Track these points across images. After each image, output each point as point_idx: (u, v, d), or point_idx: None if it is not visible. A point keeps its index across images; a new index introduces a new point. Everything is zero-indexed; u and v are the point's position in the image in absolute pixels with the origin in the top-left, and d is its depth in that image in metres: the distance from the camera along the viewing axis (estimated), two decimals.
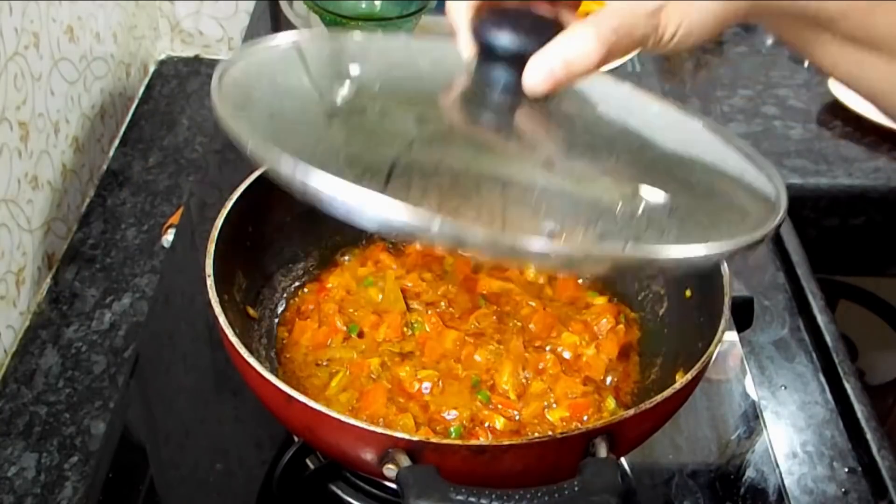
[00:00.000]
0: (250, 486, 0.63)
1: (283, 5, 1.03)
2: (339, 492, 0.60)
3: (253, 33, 1.15)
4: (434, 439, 0.49)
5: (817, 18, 0.47)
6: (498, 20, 0.48)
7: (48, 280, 0.85)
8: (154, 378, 0.72)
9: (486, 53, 0.49)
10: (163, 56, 1.23)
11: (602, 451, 0.47)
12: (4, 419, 0.71)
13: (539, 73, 0.46)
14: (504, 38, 0.48)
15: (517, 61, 0.47)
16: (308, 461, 0.58)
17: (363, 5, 1.06)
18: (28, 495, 0.65)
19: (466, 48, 0.50)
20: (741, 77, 1.15)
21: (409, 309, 0.66)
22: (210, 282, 0.56)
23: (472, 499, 0.43)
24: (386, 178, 0.42)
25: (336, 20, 0.98)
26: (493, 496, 0.43)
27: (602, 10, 0.45)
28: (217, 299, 0.55)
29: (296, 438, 0.59)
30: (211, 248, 0.59)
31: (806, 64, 1.17)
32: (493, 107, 0.49)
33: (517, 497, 0.43)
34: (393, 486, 0.56)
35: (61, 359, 0.76)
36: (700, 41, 0.46)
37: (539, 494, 0.44)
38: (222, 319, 0.54)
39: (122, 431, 0.67)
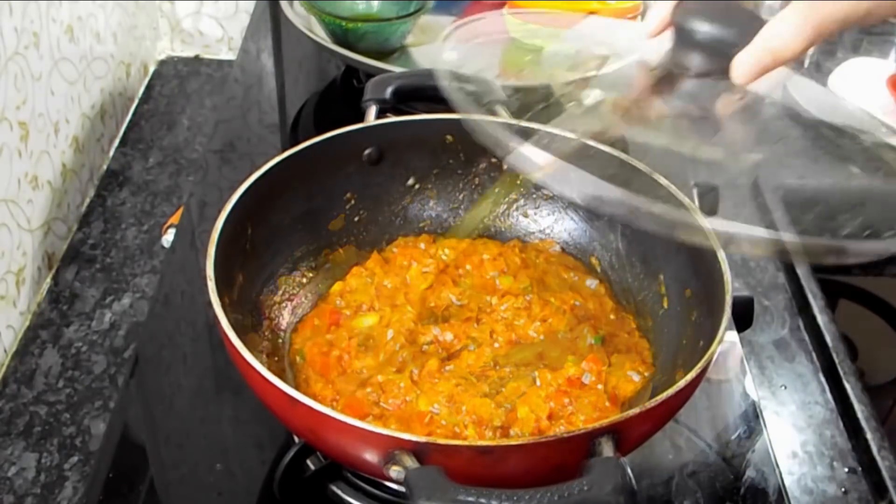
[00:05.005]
0: (250, 487, 0.63)
1: (284, 5, 1.03)
2: (340, 492, 0.60)
3: (253, 33, 1.15)
4: (440, 440, 0.49)
5: None
6: (702, 9, 0.51)
7: (48, 280, 0.85)
8: (154, 378, 0.72)
9: (687, 41, 0.52)
10: (163, 56, 1.23)
11: (607, 450, 0.47)
12: (4, 419, 0.71)
13: (747, 65, 0.48)
14: (709, 27, 0.51)
15: (718, 50, 0.50)
16: (309, 462, 0.58)
17: (361, 6, 1.06)
18: (28, 495, 0.65)
19: (655, 27, 0.53)
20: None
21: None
22: (211, 284, 0.56)
23: (481, 500, 0.43)
24: None
25: (333, 21, 0.98)
26: (503, 497, 0.43)
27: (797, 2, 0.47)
28: (218, 301, 0.55)
29: (296, 439, 0.59)
30: (211, 249, 0.59)
31: (806, 64, 1.17)
32: (694, 92, 0.54)
33: (526, 497, 0.43)
34: (396, 486, 0.56)
35: (61, 359, 0.76)
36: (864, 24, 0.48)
37: (548, 494, 0.44)
38: (224, 322, 0.54)
39: (122, 431, 0.67)
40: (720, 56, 0.51)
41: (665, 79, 0.54)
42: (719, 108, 0.54)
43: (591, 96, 0.61)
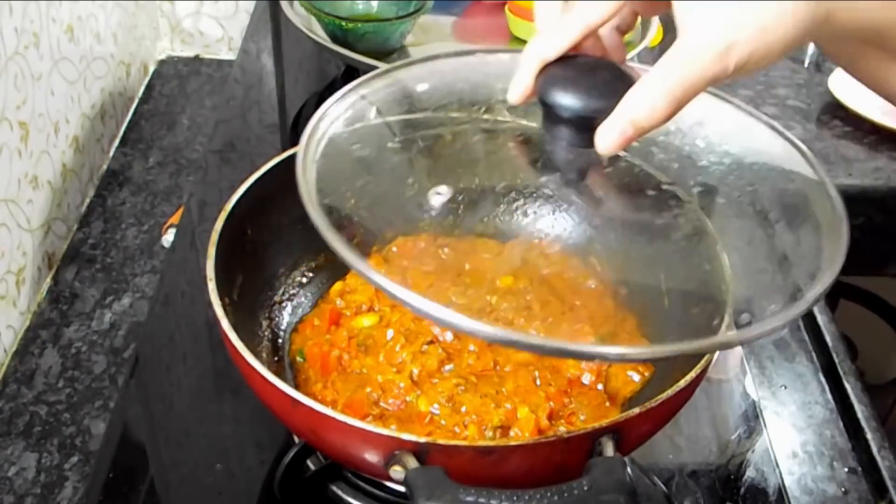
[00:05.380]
0: (251, 487, 0.63)
1: (284, 5, 1.03)
2: (340, 492, 0.60)
3: (253, 33, 1.15)
4: (441, 441, 0.49)
5: (887, 31, 0.47)
6: (564, 79, 0.49)
7: (48, 280, 0.85)
8: (154, 378, 0.72)
9: (551, 114, 0.50)
10: (163, 56, 1.23)
11: (609, 450, 0.48)
12: (4, 419, 0.71)
13: (610, 137, 0.46)
14: (571, 100, 0.48)
15: (583, 121, 0.48)
16: (309, 462, 0.58)
17: (360, 6, 1.06)
18: (28, 495, 0.65)
19: (518, 94, 0.50)
20: (738, 76, 1.15)
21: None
22: (211, 285, 0.56)
23: (481, 500, 0.43)
24: None
25: (333, 21, 0.98)
26: (503, 497, 0.43)
27: (668, 57, 0.45)
28: (218, 301, 0.55)
29: (296, 439, 0.59)
30: (212, 250, 0.59)
31: (806, 63, 1.17)
32: (561, 163, 0.52)
33: (526, 497, 0.43)
34: (397, 487, 0.56)
35: (61, 359, 0.76)
36: (773, 63, 0.46)
37: (549, 494, 0.44)
38: (224, 322, 0.54)
39: (122, 431, 0.67)
40: (586, 128, 0.48)
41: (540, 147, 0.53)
42: (593, 178, 0.53)
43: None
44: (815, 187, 0.54)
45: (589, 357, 0.52)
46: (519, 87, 0.50)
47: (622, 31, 0.54)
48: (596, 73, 0.49)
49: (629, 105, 0.46)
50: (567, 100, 0.48)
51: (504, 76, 0.52)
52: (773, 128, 0.58)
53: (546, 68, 0.49)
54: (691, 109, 0.51)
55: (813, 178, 0.54)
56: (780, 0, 0.44)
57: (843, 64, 0.52)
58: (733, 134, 0.60)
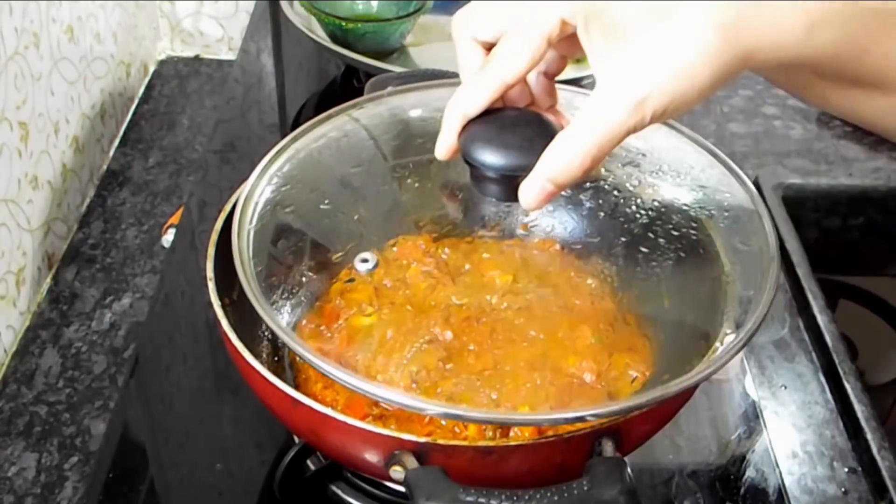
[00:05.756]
0: (250, 487, 0.63)
1: (284, 5, 1.03)
2: (340, 492, 0.60)
3: (253, 33, 1.15)
4: (441, 440, 0.49)
5: (810, 64, 0.47)
6: (484, 137, 0.49)
7: (48, 280, 0.85)
8: (154, 378, 0.72)
9: (475, 171, 0.50)
10: (163, 56, 1.23)
11: (608, 450, 0.48)
12: (4, 419, 0.71)
13: (531, 195, 0.47)
14: (491, 159, 0.49)
15: (507, 178, 0.49)
16: (309, 462, 0.58)
17: (360, 6, 1.06)
18: (28, 495, 0.65)
19: (444, 151, 0.51)
20: (741, 76, 1.15)
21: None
22: (211, 285, 0.56)
23: (481, 499, 0.43)
24: None
25: (332, 21, 0.98)
26: (503, 497, 0.43)
27: (584, 111, 0.44)
28: (218, 302, 0.55)
29: (296, 439, 0.59)
30: (211, 250, 0.59)
31: None
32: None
33: (526, 497, 0.43)
34: (398, 487, 0.56)
35: (61, 359, 0.76)
36: (692, 108, 0.46)
37: (549, 494, 0.44)
38: (224, 322, 0.54)
39: (122, 431, 0.67)
40: (510, 184, 0.49)
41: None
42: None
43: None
44: (753, 219, 0.56)
45: (528, 424, 0.54)
46: (443, 144, 0.51)
47: (550, 75, 0.54)
48: (516, 128, 0.49)
49: (546, 163, 0.46)
50: (488, 158, 0.49)
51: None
52: (715, 156, 0.59)
53: (468, 124, 0.50)
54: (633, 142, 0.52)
55: (751, 208, 0.56)
56: (694, 46, 0.43)
57: (797, 93, 0.53)
58: (675, 162, 0.62)
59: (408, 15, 1.01)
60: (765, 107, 1.09)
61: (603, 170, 0.66)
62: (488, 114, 0.50)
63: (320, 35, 1.00)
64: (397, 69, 0.89)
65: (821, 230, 0.99)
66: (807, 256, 0.86)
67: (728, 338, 0.53)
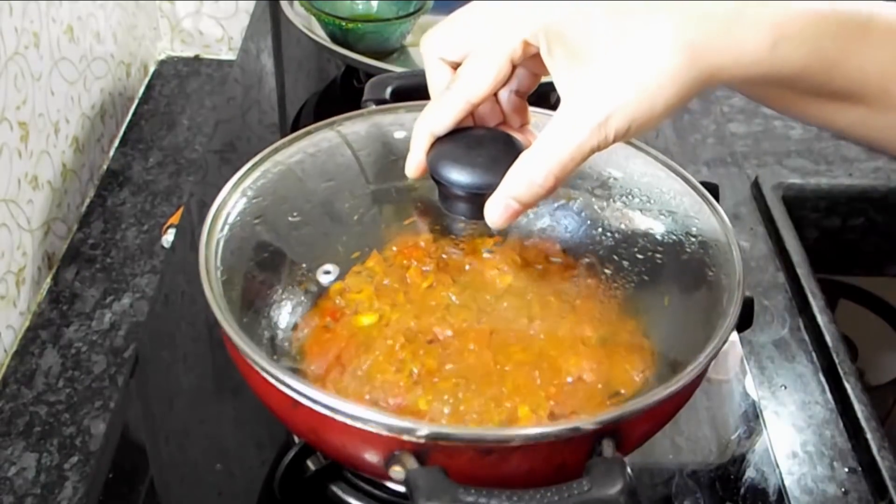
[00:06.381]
0: (250, 487, 0.63)
1: (284, 5, 1.03)
2: (340, 492, 0.60)
3: (253, 33, 1.15)
4: (441, 441, 0.49)
5: (778, 80, 0.47)
6: (450, 156, 0.50)
7: (48, 280, 0.85)
8: (154, 378, 0.72)
9: (443, 189, 0.52)
10: (163, 56, 1.23)
11: (609, 450, 0.48)
12: (4, 419, 0.71)
13: (496, 213, 0.48)
14: (457, 177, 0.50)
15: (473, 196, 0.51)
16: (309, 462, 0.58)
17: (360, 6, 1.06)
18: (28, 495, 0.65)
19: (412, 169, 0.52)
20: None
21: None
22: None
23: (482, 499, 0.43)
24: None
25: (333, 21, 0.98)
26: (503, 497, 0.43)
27: (547, 130, 0.45)
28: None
29: (296, 439, 0.59)
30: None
31: None
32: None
33: (526, 497, 0.43)
34: (398, 487, 0.56)
35: (61, 359, 0.76)
36: (656, 126, 0.46)
37: (549, 494, 0.44)
38: (224, 323, 0.54)
39: (122, 431, 0.67)
40: (476, 202, 0.50)
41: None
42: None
43: None
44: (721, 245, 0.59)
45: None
46: (412, 162, 0.53)
47: (522, 93, 0.54)
48: (482, 147, 0.50)
49: (510, 182, 0.47)
50: (454, 176, 0.50)
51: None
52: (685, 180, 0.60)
53: (436, 143, 0.51)
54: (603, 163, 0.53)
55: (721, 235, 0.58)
56: (657, 65, 0.43)
57: (771, 106, 0.53)
58: (645, 185, 0.63)
59: (408, 15, 1.01)
60: (765, 107, 1.09)
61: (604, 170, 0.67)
62: (456, 133, 0.51)
63: (320, 35, 1.00)
64: (397, 69, 0.89)
65: (821, 230, 0.99)
66: (807, 256, 0.86)
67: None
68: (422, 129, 0.51)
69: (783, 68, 0.45)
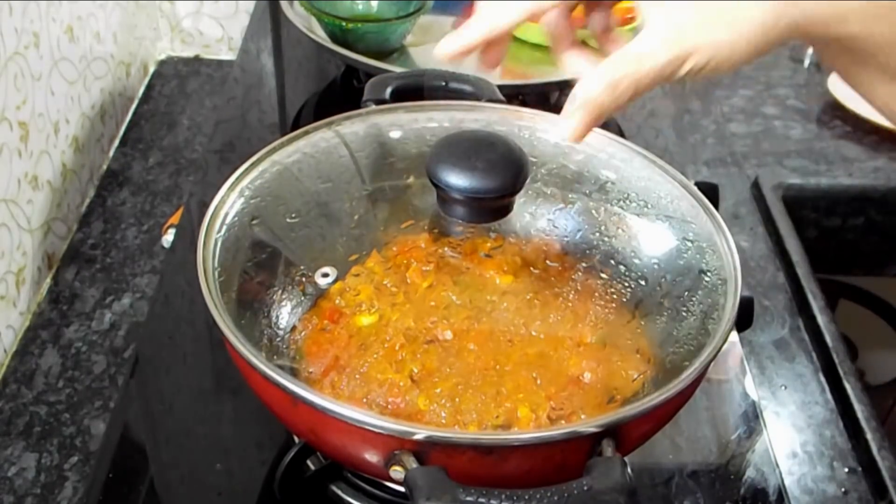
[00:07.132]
0: (250, 487, 0.63)
1: (284, 5, 1.03)
2: (340, 492, 0.60)
3: (253, 33, 1.15)
4: (441, 441, 0.49)
5: (853, 49, 0.47)
6: (448, 158, 0.51)
7: (48, 280, 0.85)
8: (154, 378, 0.72)
9: (442, 193, 0.53)
10: (163, 56, 1.23)
11: (608, 450, 0.48)
12: (4, 419, 0.71)
13: (569, 125, 0.47)
14: (457, 181, 0.51)
15: (474, 200, 0.52)
16: (309, 462, 0.58)
17: (360, 6, 1.06)
18: (28, 495, 0.65)
19: (449, 49, 0.52)
20: (741, 77, 1.15)
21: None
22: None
23: (481, 499, 0.43)
24: None
25: (333, 21, 0.98)
26: (503, 496, 0.43)
27: (627, 48, 0.45)
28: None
29: (296, 439, 0.59)
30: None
31: (806, 64, 1.17)
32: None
33: (527, 497, 0.43)
34: (398, 487, 0.56)
35: (61, 359, 0.76)
36: (735, 70, 0.46)
37: (549, 494, 0.44)
38: (223, 323, 0.54)
39: (122, 431, 0.67)
40: (475, 206, 0.50)
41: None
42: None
43: None
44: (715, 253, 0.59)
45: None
46: (453, 43, 0.51)
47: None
48: (481, 152, 0.51)
49: (588, 87, 0.46)
50: (453, 180, 0.51)
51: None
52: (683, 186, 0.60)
53: (434, 148, 0.52)
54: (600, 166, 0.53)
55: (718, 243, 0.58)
56: (750, 11, 0.44)
57: (842, 77, 0.53)
58: (642, 189, 0.64)
59: (408, 15, 1.01)
60: (765, 107, 1.09)
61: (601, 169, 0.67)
62: (455, 138, 0.51)
63: (320, 35, 1.00)
64: (397, 69, 0.89)
65: (821, 230, 0.99)
66: (807, 256, 0.86)
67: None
68: (480, 22, 0.50)
69: (868, 38, 0.46)
